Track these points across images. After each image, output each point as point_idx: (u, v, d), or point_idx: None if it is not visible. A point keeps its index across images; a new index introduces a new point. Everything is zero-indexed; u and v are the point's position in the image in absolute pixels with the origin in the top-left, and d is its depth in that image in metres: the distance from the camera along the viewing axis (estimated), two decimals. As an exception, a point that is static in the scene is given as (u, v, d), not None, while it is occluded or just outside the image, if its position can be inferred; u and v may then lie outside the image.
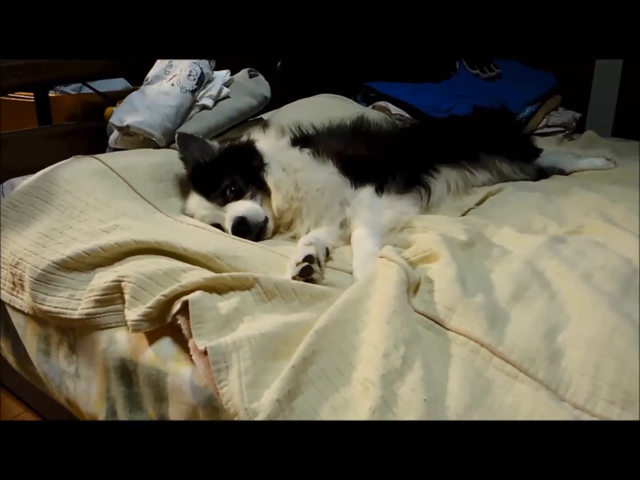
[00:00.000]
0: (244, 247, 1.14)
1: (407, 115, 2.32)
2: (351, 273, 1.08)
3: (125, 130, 1.57)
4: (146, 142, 1.57)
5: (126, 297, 0.99)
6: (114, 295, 1.03)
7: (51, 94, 1.93)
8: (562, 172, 1.82)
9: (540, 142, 2.06)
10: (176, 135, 1.45)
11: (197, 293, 0.92)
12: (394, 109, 2.33)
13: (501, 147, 1.70)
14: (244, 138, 1.44)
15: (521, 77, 2.66)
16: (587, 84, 2.83)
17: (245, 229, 1.22)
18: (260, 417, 0.73)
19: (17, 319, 1.19)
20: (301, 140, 1.45)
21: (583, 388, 0.74)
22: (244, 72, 1.85)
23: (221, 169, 1.32)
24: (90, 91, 1.97)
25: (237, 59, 2.04)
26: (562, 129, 2.53)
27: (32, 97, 1.86)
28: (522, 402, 0.74)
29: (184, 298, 0.92)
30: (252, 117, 1.80)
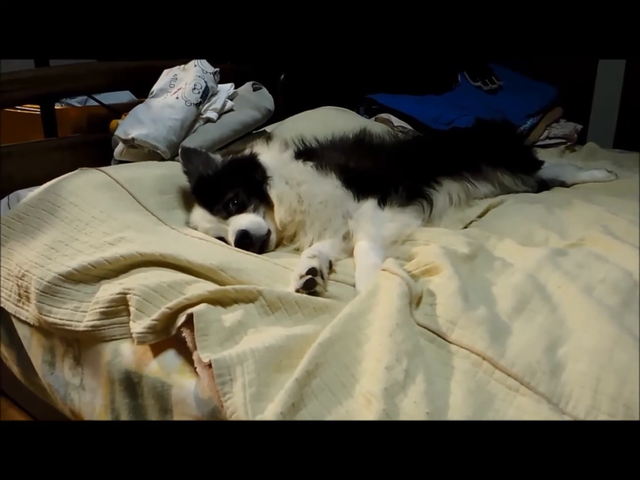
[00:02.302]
0: (247, 259, 1.15)
1: (409, 127, 2.33)
2: (354, 285, 1.09)
3: (130, 143, 1.58)
4: (151, 154, 1.59)
5: (131, 309, 1.00)
6: (119, 307, 1.04)
7: (57, 106, 1.95)
8: (563, 184, 1.84)
9: (541, 153, 2.07)
10: (179, 150, 1.46)
11: (202, 306, 0.93)
12: (397, 121, 2.35)
13: (503, 159, 1.72)
14: (247, 151, 1.45)
15: (522, 89, 2.68)
16: (589, 96, 2.85)
17: (248, 242, 1.23)
18: (264, 430, 0.74)
19: (22, 331, 1.20)
20: (304, 153, 1.46)
21: (584, 401, 0.74)
22: (247, 86, 1.87)
23: (224, 183, 1.33)
24: (96, 104, 2.00)
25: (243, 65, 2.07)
26: (563, 140, 2.55)
27: (38, 110, 1.88)
28: (523, 415, 0.75)
29: (189, 311, 0.92)
30: (255, 130, 1.82)
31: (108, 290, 1.06)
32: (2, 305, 1.22)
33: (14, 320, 1.22)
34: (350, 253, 1.22)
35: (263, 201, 1.31)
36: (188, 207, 1.40)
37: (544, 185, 1.79)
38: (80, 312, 1.07)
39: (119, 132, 1.61)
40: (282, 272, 1.11)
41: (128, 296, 1.02)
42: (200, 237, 1.26)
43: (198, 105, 1.66)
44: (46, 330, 1.14)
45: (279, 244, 1.31)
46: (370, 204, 1.29)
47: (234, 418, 0.78)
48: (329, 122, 1.95)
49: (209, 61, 1.78)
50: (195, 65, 1.72)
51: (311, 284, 1.02)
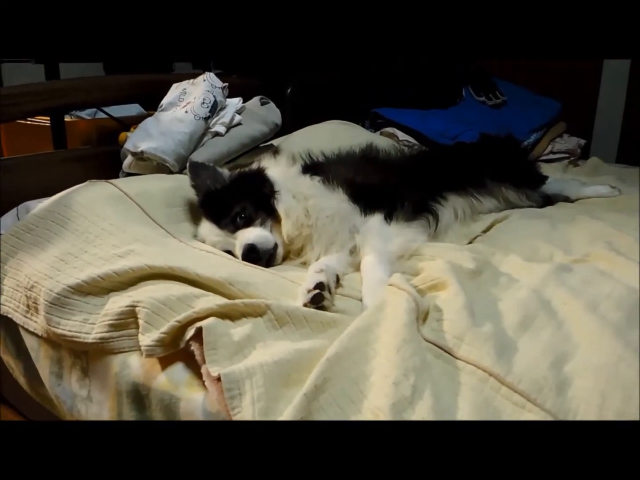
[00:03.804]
0: (255, 273, 1.16)
1: (414, 141, 2.35)
2: (361, 300, 1.09)
3: (139, 156, 1.60)
4: (160, 167, 1.60)
5: (140, 322, 1.01)
6: (127, 320, 1.04)
7: (67, 118, 1.98)
8: (567, 200, 1.85)
9: (545, 168, 2.08)
10: (187, 164, 1.47)
11: (211, 319, 0.94)
12: (402, 135, 2.37)
13: (507, 175, 1.73)
14: (254, 165, 1.47)
15: (526, 104, 2.70)
16: (592, 111, 2.87)
17: (255, 255, 1.24)
18: (273, 444, 0.75)
19: (30, 342, 1.21)
20: (312, 167, 1.47)
21: (589, 417, 0.75)
22: (255, 100, 1.89)
23: (231, 197, 1.35)
24: (105, 116, 2.02)
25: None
26: (567, 155, 2.56)
27: (48, 122, 1.91)
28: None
29: (198, 324, 0.93)
30: (263, 143, 1.83)
31: (117, 302, 1.07)
32: (10, 316, 1.23)
33: (22, 331, 1.22)
34: (357, 267, 1.23)
35: (270, 215, 1.32)
36: (196, 219, 1.42)
37: (548, 201, 1.81)
38: (89, 324, 1.08)
39: (128, 145, 1.63)
40: (290, 286, 1.12)
41: (137, 309, 1.03)
42: (208, 250, 1.27)
43: (207, 119, 1.68)
44: (54, 341, 1.15)
45: (286, 258, 1.32)
46: (376, 219, 1.31)
47: (242, 432, 0.78)
48: (335, 136, 1.97)
49: (217, 75, 1.80)
50: (205, 80, 1.74)
51: (319, 298, 1.03)
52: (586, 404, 0.76)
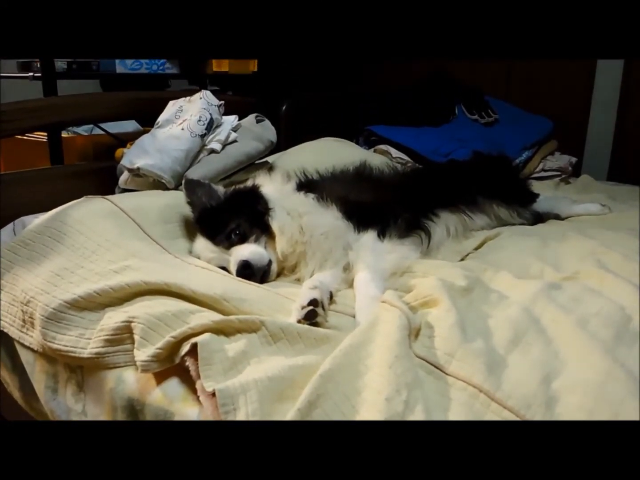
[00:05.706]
0: (250, 289, 1.17)
1: (407, 158, 2.38)
2: (354, 316, 1.11)
3: (135, 172, 1.61)
4: (156, 183, 1.62)
5: (136, 337, 1.02)
6: (123, 335, 1.05)
7: (64, 134, 2.00)
8: (557, 217, 1.87)
9: (536, 186, 2.11)
10: (183, 181, 1.49)
11: (206, 335, 0.95)
12: (395, 153, 2.39)
13: (499, 192, 1.75)
14: (249, 182, 1.49)
15: (518, 122, 2.74)
16: (583, 129, 2.91)
17: (249, 272, 1.26)
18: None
19: (26, 356, 1.21)
20: (306, 185, 1.49)
21: (578, 434, 0.76)
22: (251, 117, 1.91)
23: (226, 214, 1.36)
24: (102, 132, 2.04)
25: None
26: (558, 173, 2.60)
27: (45, 137, 1.92)
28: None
29: (193, 340, 0.94)
30: (258, 160, 1.86)
31: (113, 318, 1.08)
32: (5, 330, 1.23)
33: (17, 345, 1.23)
34: (350, 284, 1.24)
35: (265, 232, 1.34)
36: (191, 236, 1.43)
37: (538, 218, 1.83)
38: (85, 339, 1.08)
39: (124, 162, 1.64)
40: (284, 302, 1.13)
41: (133, 324, 1.03)
42: (203, 267, 1.27)
43: (203, 136, 1.70)
44: (50, 356, 1.15)
45: (280, 274, 1.34)
46: (370, 236, 1.32)
47: (236, 447, 0.79)
48: (329, 153, 2.00)
49: (213, 93, 1.83)
50: (201, 98, 1.76)
51: (312, 314, 1.04)
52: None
